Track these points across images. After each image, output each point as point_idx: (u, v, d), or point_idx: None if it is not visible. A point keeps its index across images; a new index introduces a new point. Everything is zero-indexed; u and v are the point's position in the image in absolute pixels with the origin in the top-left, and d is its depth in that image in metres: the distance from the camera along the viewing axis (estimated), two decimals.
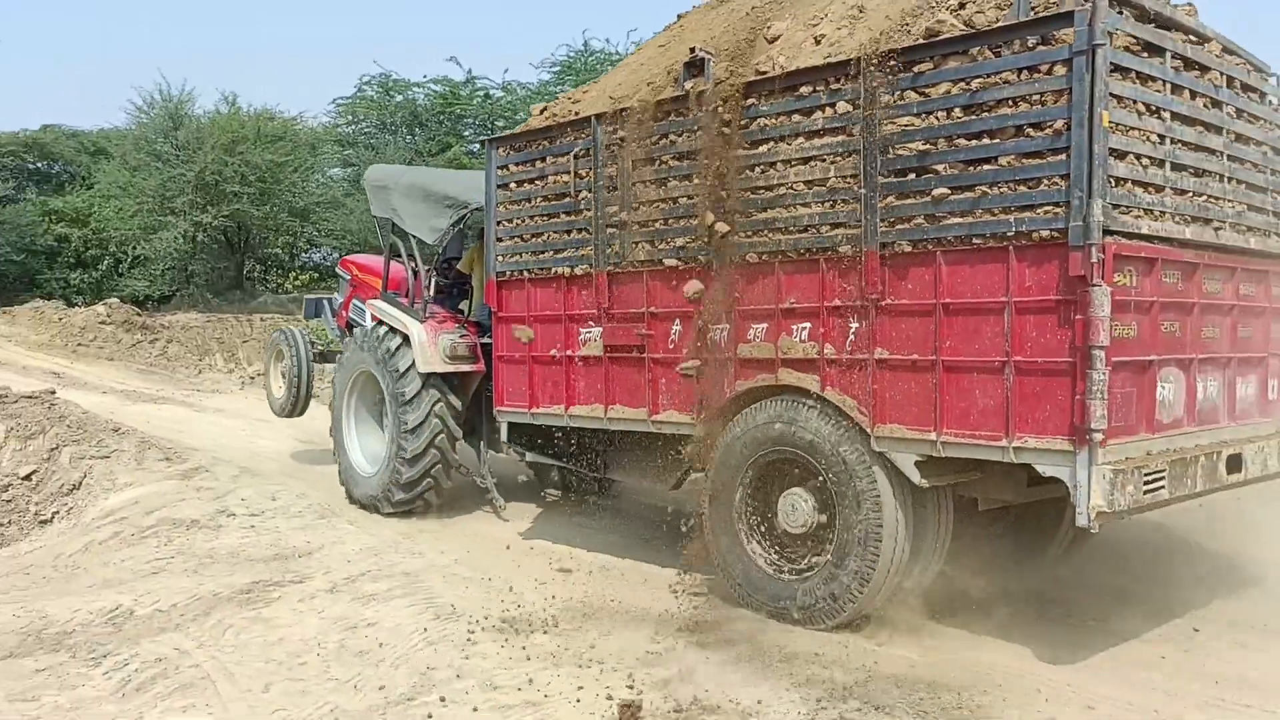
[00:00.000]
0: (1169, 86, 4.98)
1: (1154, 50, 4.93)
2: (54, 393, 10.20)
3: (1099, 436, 4.55)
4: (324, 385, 11.55)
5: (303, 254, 28.86)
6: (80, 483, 8.59)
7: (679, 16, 7.47)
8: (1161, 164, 4.94)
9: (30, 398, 9.76)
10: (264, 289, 26.78)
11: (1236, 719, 4.45)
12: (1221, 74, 5.37)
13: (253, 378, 17.25)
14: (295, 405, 9.99)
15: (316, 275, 26.85)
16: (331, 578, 6.53)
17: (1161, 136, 4.93)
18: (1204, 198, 5.24)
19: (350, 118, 26.44)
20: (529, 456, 8.14)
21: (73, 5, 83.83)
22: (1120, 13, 4.82)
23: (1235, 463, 5.46)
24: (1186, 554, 6.85)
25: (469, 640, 5.40)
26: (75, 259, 28.29)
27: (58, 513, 8.34)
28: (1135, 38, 4.83)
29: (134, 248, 25.56)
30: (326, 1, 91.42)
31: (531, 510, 8.80)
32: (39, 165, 31.92)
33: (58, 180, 31.86)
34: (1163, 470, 4.88)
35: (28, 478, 8.68)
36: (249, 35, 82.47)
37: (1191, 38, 5.38)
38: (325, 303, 10.65)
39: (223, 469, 9.11)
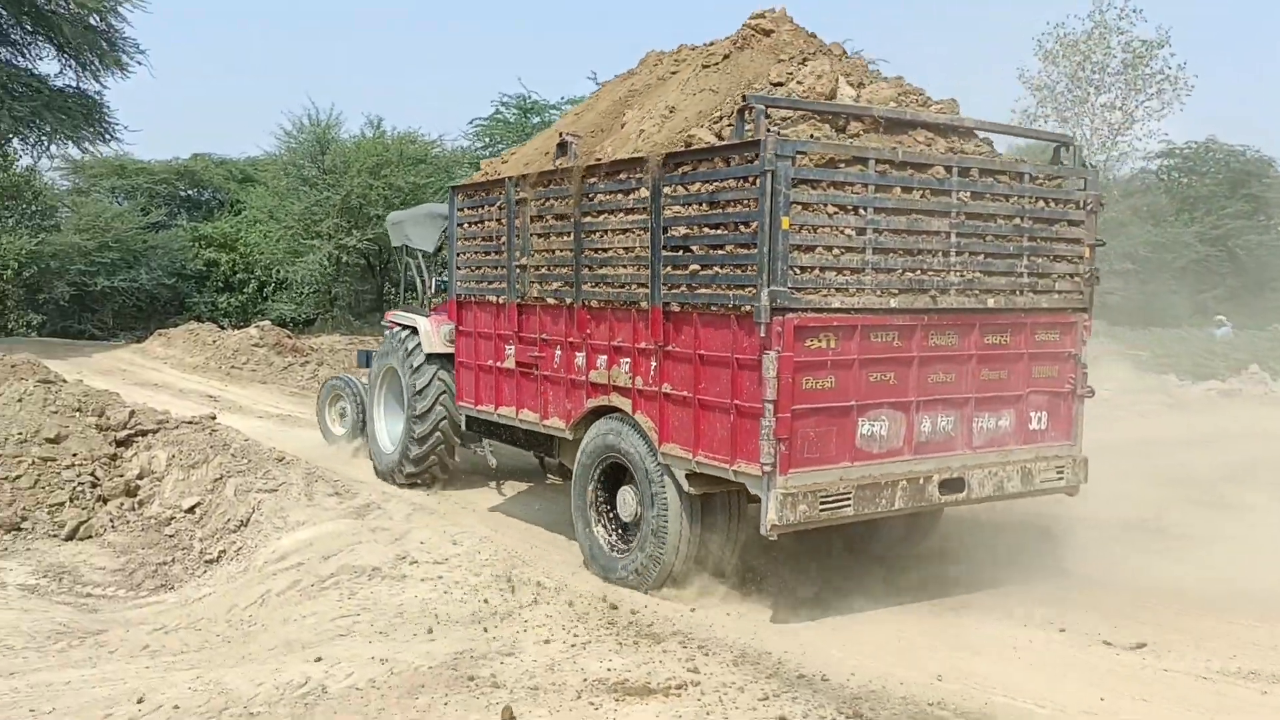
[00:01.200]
0: (872, 187, 6.20)
1: (858, 160, 6.17)
2: (215, 418, 9.99)
3: (769, 468, 5.96)
4: None
5: (436, 276, 29.72)
6: (248, 519, 7.94)
7: (602, 84, 8.97)
8: (861, 250, 6.19)
9: (191, 423, 9.48)
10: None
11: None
12: (949, 167, 6.50)
13: None
14: (355, 439, 11.89)
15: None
16: (549, 652, 5.71)
17: (860, 229, 6.18)
18: (918, 272, 6.43)
19: (487, 140, 26.43)
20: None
21: (223, 35, 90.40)
22: (815, 137, 6.12)
23: (955, 485, 6.68)
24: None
25: None
26: (223, 282, 29.97)
27: (225, 552, 7.69)
28: (834, 154, 6.10)
29: (279, 271, 26.86)
30: (470, 24, 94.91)
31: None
32: (190, 193, 34.16)
33: (207, 207, 33.96)
34: (847, 493, 6.22)
35: (191, 510, 8.29)
36: (395, 58, 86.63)
37: (922, 136, 6.56)
38: (375, 354, 12.69)
39: (395, 505, 8.40)
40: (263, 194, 28.40)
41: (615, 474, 7.49)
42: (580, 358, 7.62)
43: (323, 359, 20.07)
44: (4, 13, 22.98)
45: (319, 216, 25.25)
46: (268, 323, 22.33)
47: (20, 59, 24.13)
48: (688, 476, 6.69)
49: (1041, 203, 7.01)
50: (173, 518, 8.23)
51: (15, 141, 24.79)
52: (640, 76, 8.36)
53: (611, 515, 7.56)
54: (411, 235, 10.81)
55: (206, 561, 7.65)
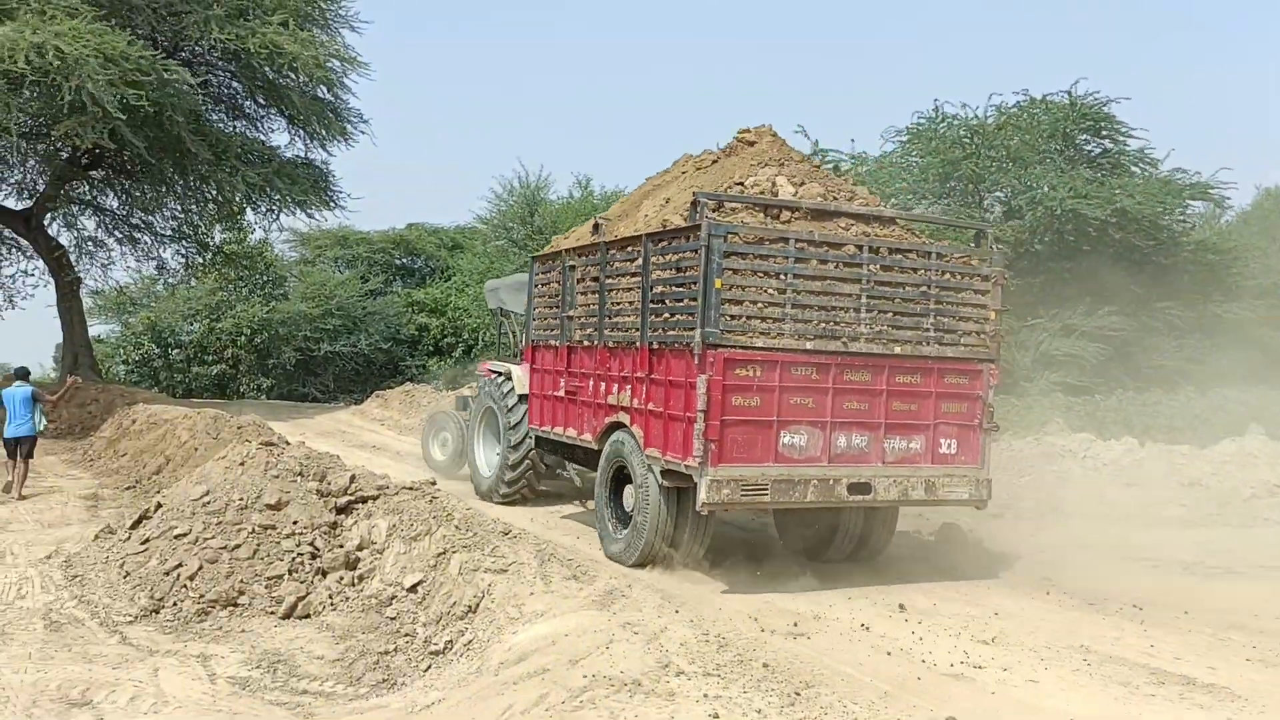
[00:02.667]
0: (793, 258, 8.41)
1: (781, 239, 8.40)
2: (435, 483, 9.45)
3: (698, 461, 8.17)
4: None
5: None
6: (476, 604, 7.06)
7: (646, 179, 11.47)
8: (782, 305, 8.38)
9: (411, 489, 8.94)
10: None
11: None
12: (860, 245, 8.63)
13: None
14: (458, 465, 14.61)
15: None
16: None
17: (781, 290, 8.38)
18: (831, 323, 8.55)
19: None
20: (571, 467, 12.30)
21: (437, 107, 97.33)
22: (747, 223, 8.40)
23: (862, 488, 8.66)
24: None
25: None
26: (434, 346, 31.68)
27: (452, 643, 6.82)
28: (761, 234, 8.36)
29: (486, 333, 28.33)
30: (678, 87, 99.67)
31: None
32: (404, 261, 36.41)
33: (420, 274, 36.10)
34: (765, 485, 8.33)
35: (414, 589, 7.58)
36: (605, 120, 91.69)
37: (844, 222, 8.75)
38: (469, 398, 15.43)
39: (642, 593, 7.36)
40: (472, 259, 30.06)
41: (622, 475, 9.78)
42: (603, 386, 10.02)
43: None
44: (239, 87, 24.93)
45: None
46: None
47: (253, 130, 25.80)
48: (662, 472, 8.93)
49: (948, 275, 9.01)
50: (394, 597, 7.56)
51: (250, 213, 26.74)
52: (667, 174, 10.83)
53: (620, 506, 9.82)
54: (505, 299, 13.56)
55: (432, 653, 6.78)
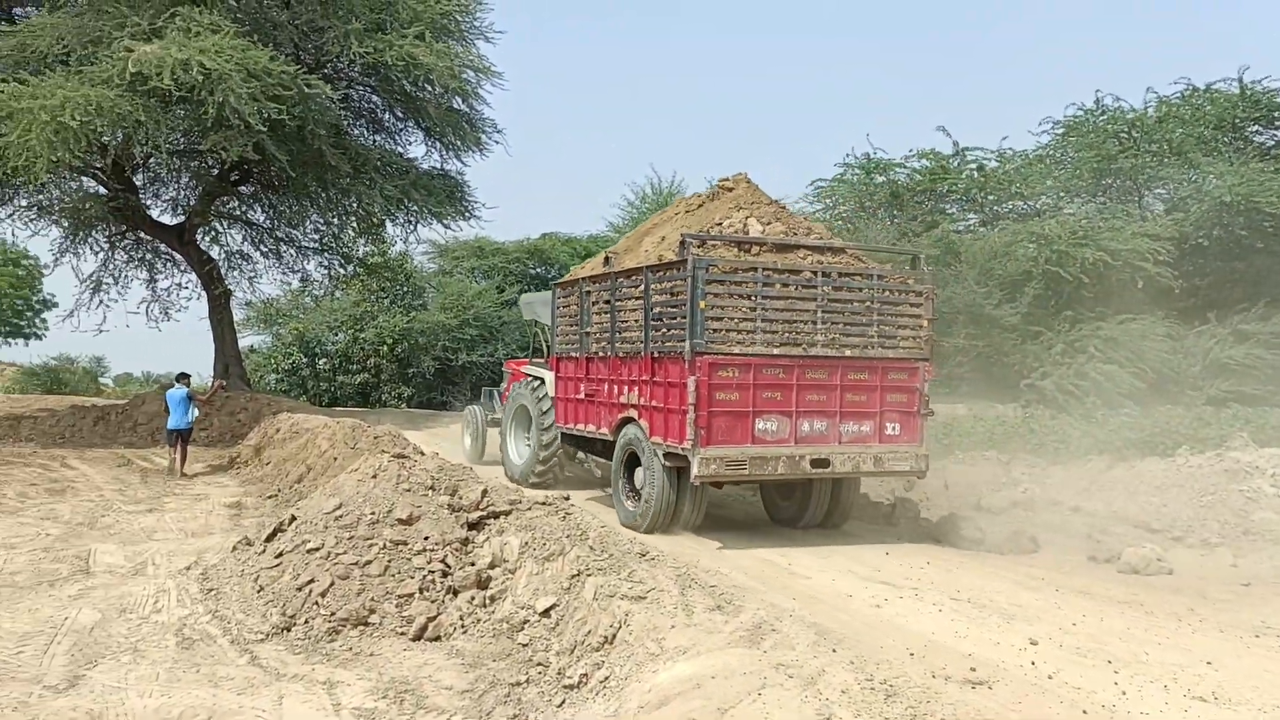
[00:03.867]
0: (761, 283, 10.71)
1: (751, 269, 10.71)
2: (568, 498, 9.26)
3: (691, 444, 10.47)
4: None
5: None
6: (613, 636, 6.57)
7: (650, 219, 13.78)
8: (752, 319, 10.68)
9: (544, 505, 8.76)
10: None
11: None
12: (814, 271, 10.92)
13: None
14: (480, 454, 17.07)
15: None
16: None
17: (752, 308, 10.67)
18: (794, 333, 10.83)
19: (828, 202, 24.16)
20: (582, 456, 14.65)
21: (574, 118, 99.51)
22: (724, 256, 10.73)
23: (822, 463, 10.93)
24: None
25: None
26: None
27: (587, 676, 6.36)
28: (735, 265, 10.67)
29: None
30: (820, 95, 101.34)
31: None
32: (539, 270, 36.46)
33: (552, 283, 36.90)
34: (744, 461, 10.62)
35: (547, 613, 7.19)
36: (729, 124, 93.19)
37: (802, 253, 11.06)
38: (495, 391, 17.76)
39: (792, 628, 6.45)
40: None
41: (634, 460, 12.08)
42: (616, 388, 12.34)
43: None
44: (379, 101, 25.43)
45: None
46: None
47: (391, 143, 26.16)
48: (664, 455, 11.23)
49: (888, 292, 11.29)
50: (526, 621, 7.24)
51: (389, 225, 26.46)
52: (666, 213, 13.17)
53: (632, 485, 12.12)
54: (539, 312, 15.93)
55: (566, 686, 6.37)
